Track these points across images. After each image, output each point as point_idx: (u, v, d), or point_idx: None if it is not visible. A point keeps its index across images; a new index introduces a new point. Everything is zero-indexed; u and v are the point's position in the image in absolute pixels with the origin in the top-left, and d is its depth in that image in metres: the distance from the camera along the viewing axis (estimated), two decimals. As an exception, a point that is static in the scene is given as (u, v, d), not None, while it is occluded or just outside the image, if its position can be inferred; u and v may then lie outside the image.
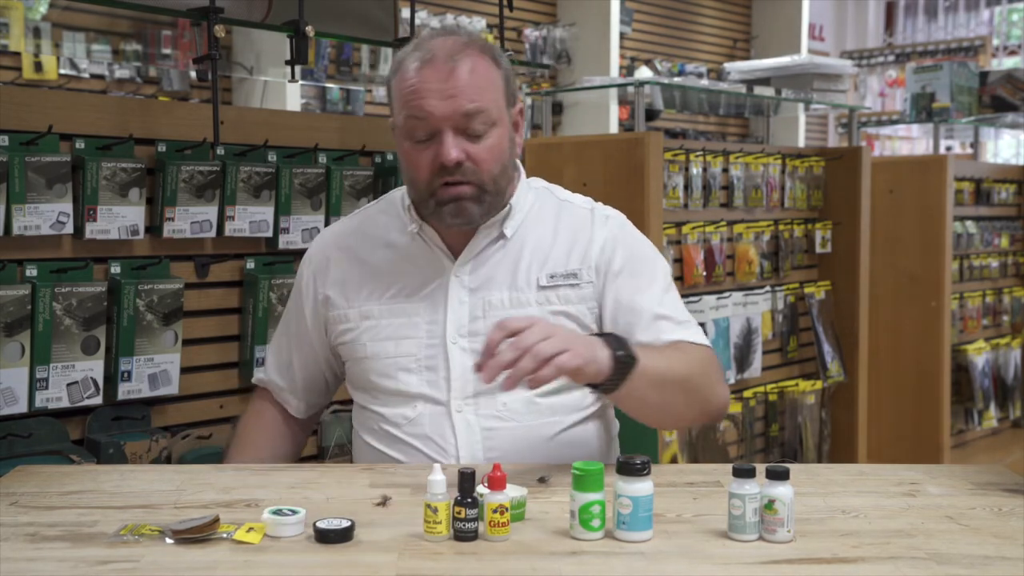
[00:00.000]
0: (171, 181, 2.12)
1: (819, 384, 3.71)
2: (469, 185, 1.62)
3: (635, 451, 1.81)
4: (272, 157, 2.31)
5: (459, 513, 1.26)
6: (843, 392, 3.79)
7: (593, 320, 1.71)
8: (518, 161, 1.75)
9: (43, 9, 4.45)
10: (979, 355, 4.53)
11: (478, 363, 1.44)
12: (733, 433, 3.43)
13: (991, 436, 4.74)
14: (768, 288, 3.55)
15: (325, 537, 1.26)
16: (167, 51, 4.96)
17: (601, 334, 1.58)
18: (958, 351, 4.43)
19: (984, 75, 4.69)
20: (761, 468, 1.30)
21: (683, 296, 1.83)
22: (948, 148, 6.59)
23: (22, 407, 1.92)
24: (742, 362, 3.42)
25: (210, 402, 2.25)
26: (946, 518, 1.39)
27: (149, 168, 2.12)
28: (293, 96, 5.04)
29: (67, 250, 2.01)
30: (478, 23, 6.09)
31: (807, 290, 3.70)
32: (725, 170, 3.40)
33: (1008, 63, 9.37)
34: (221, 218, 2.21)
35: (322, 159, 2.40)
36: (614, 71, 6.64)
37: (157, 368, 2.11)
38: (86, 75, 4.80)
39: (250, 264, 2.28)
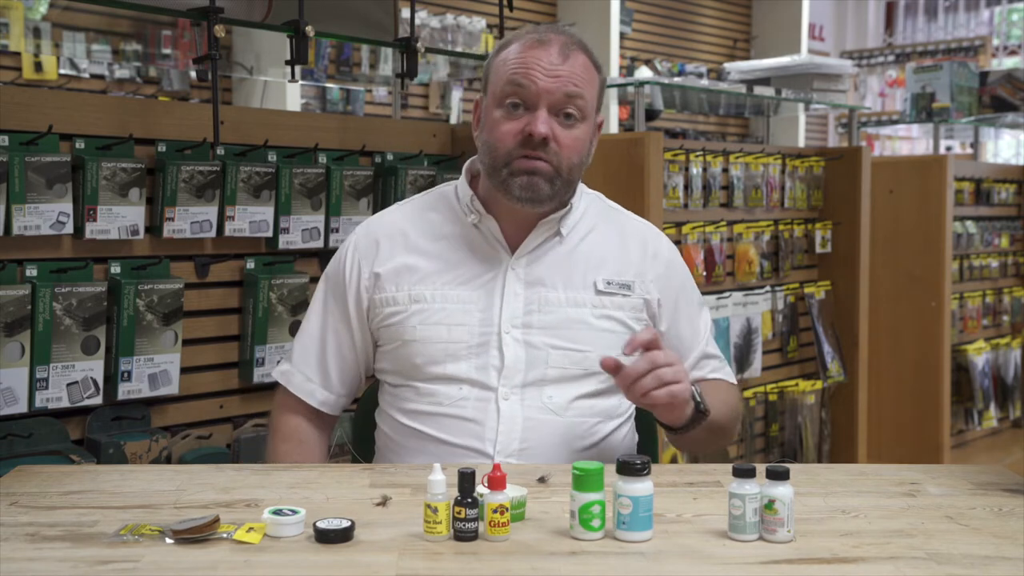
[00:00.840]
0: (171, 181, 2.12)
1: (819, 384, 3.71)
2: (547, 163, 1.66)
3: (636, 452, 1.82)
4: (272, 157, 2.31)
5: (459, 513, 1.26)
6: (843, 392, 3.79)
7: (641, 329, 1.75)
8: None
9: (43, 9, 4.45)
10: (979, 355, 4.53)
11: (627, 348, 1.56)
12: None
13: (991, 436, 4.74)
14: (768, 288, 3.55)
15: (325, 537, 1.26)
16: (167, 51, 4.96)
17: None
18: (958, 351, 4.43)
19: (984, 75, 4.69)
20: (761, 468, 1.30)
21: (683, 296, 1.87)
22: (948, 148, 6.60)
23: (22, 407, 1.92)
24: (742, 362, 3.42)
25: (210, 402, 2.25)
26: (946, 518, 1.39)
27: (149, 168, 2.12)
28: (293, 96, 5.03)
29: (67, 250, 2.01)
30: (478, 23, 6.08)
31: (807, 290, 3.70)
32: (725, 170, 3.39)
33: (1008, 63, 9.37)
34: (221, 218, 2.21)
35: (322, 159, 2.40)
36: (614, 71, 6.64)
37: (157, 368, 2.11)
38: (86, 75, 4.80)
39: (250, 264, 2.28)
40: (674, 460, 3.10)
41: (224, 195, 2.21)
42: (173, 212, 2.13)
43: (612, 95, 3.97)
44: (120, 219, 2.05)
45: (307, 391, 1.81)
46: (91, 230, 2.01)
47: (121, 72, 4.94)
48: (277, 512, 1.30)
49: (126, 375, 2.06)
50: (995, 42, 9.61)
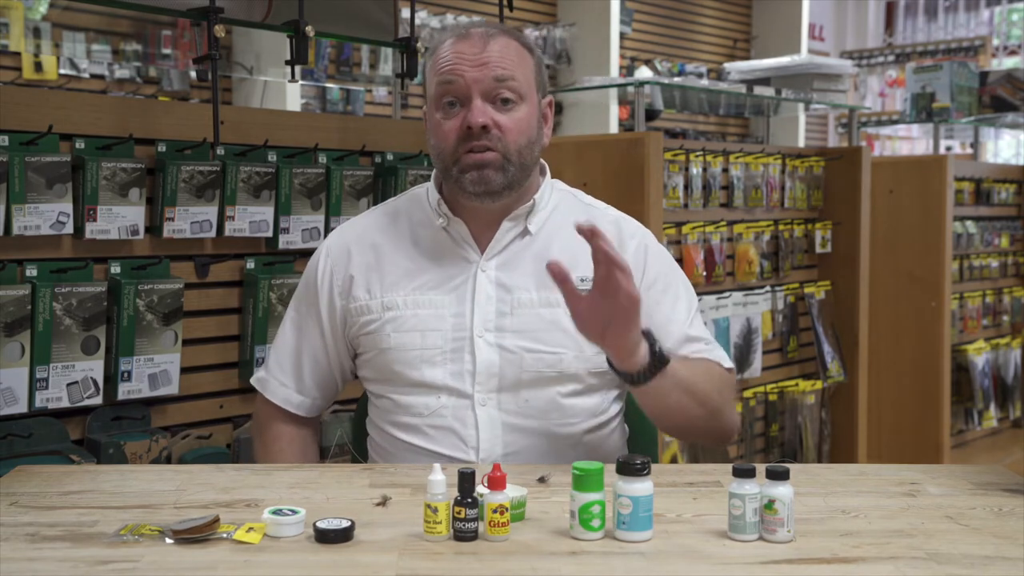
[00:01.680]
0: (171, 181, 2.12)
1: (819, 384, 3.71)
2: (493, 152, 1.64)
3: (635, 451, 1.81)
4: (272, 157, 2.31)
5: (459, 513, 1.26)
6: (843, 392, 3.79)
7: None
8: (543, 162, 1.78)
9: (43, 9, 4.45)
10: (979, 355, 4.53)
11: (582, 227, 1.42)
12: (733, 433, 3.43)
13: (991, 436, 4.74)
14: (768, 288, 3.55)
15: (325, 537, 1.26)
16: (167, 51, 4.96)
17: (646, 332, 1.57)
18: (958, 351, 4.43)
19: (984, 75, 4.69)
20: (761, 468, 1.30)
21: (683, 296, 1.83)
22: (948, 148, 6.59)
23: (22, 407, 1.92)
24: (742, 362, 3.42)
25: (210, 402, 2.25)
26: (946, 518, 1.39)
27: (149, 168, 2.12)
28: (293, 96, 5.04)
29: (67, 250, 2.01)
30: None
31: (807, 290, 3.70)
32: (725, 170, 3.40)
33: (1008, 63, 9.37)
34: (221, 218, 2.21)
35: (322, 159, 2.40)
36: (614, 71, 6.64)
37: (157, 368, 2.11)
38: (86, 75, 4.80)
39: (250, 264, 2.28)
40: (674, 460, 3.11)
41: (224, 195, 2.21)
42: (173, 212, 2.13)
43: (612, 95, 3.97)
44: (120, 219, 2.05)
45: (283, 397, 1.82)
46: (91, 230, 2.01)
47: (121, 72, 4.94)
48: (277, 512, 1.30)
49: (126, 375, 2.06)
50: (995, 42, 9.61)
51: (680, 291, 1.78)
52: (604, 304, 1.46)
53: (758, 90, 3.69)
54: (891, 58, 9.55)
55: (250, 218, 2.25)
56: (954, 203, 4.17)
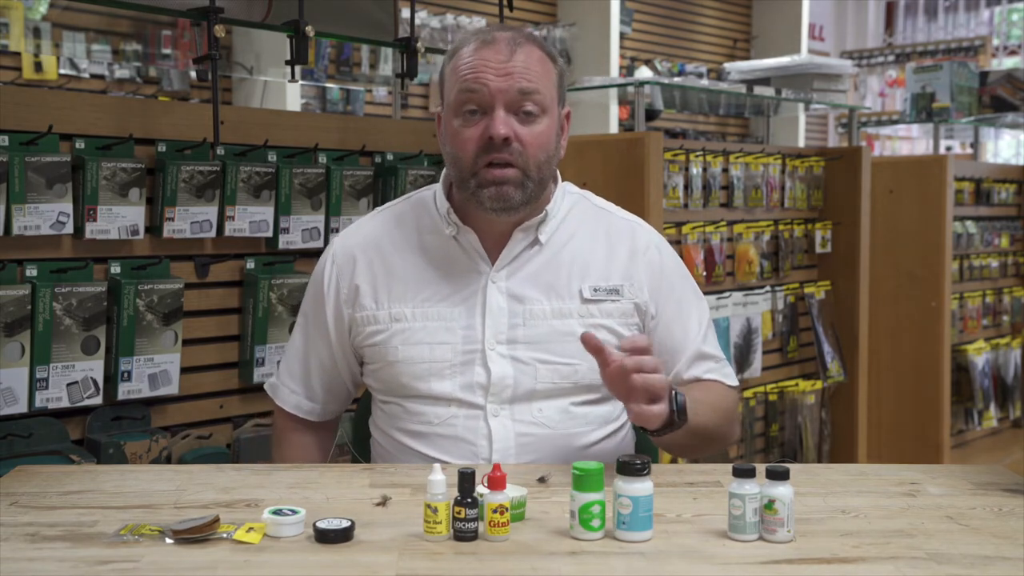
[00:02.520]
0: (171, 181, 2.12)
1: (819, 384, 3.71)
2: (513, 168, 1.62)
3: (638, 452, 1.81)
4: (272, 157, 2.31)
5: (459, 513, 1.26)
6: (843, 392, 3.79)
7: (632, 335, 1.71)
8: (556, 170, 1.76)
9: (43, 9, 4.45)
10: (979, 355, 4.53)
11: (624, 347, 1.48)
12: (733, 433, 3.43)
13: (991, 436, 4.74)
14: (768, 288, 3.55)
15: (325, 537, 1.26)
16: (167, 51, 4.96)
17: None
18: (958, 351, 4.43)
19: (984, 75, 4.69)
20: (761, 468, 1.30)
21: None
22: (948, 148, 6.59)
23: (22, 407, 1.92)
24: (742, 362, 3.42)
25: (210, 402, 2.25)
26: (946, 518, 1.39)
27: (149, 168, 2.12)
28: (293, 96, 5.03)
29: (67, 250, 2.01)
30: (478, 23, 6.08)
31: (807, 290, 3.70)
32: (725, 170, 3.40)
33: (1008, 63, 9.37)
34: (221, 218, 2.21)
35: (322, 159, 2.40)
36: (614, 71, 6.64)
37: (157, 368, 2.11)
38: (86, 75, 4.80)
39: (250, 264, 2.28)
40: (674, 460, 3.10)
41: (224, 195, 2.21)
42: (173, 212, 2.13)
43: (612, 95, 3.96)
44: (120, 219, 2.05)
45: (293, 404, 1.83)
46: (91, 230, 2.01)
47: (121, 72, 4.94)
48: (277, 512, 1.30)
49: (126, 375, 2.06)
50: (995, 42, 9.61)
51: (693, 304, 1.78)
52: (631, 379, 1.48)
53: (758, 90, 3.69)
54: (891, 58, 9.55)
55: (250, 218, 2.25)
56: (954, 203, 4.17)
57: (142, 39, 4.96)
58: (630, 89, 3.48)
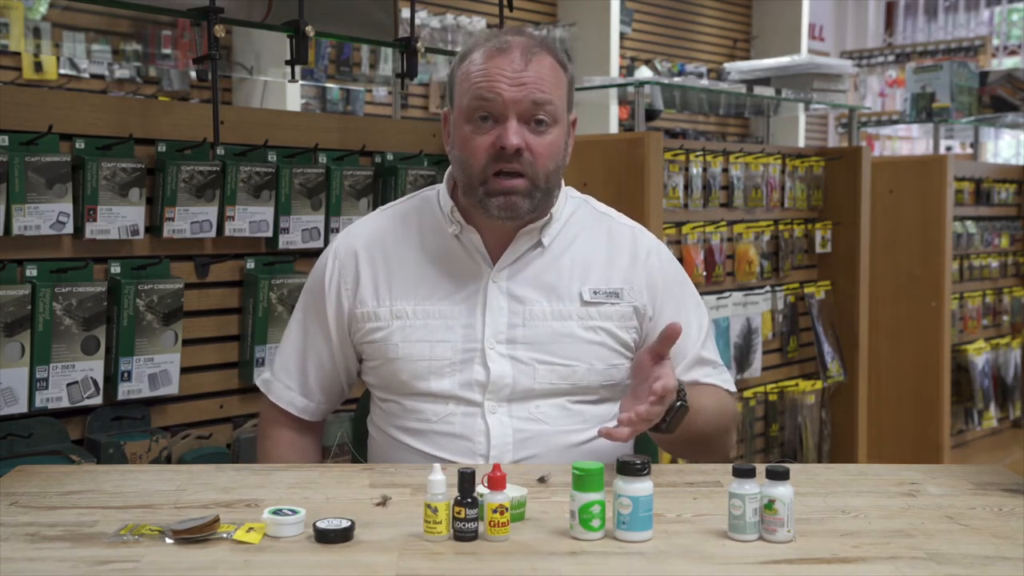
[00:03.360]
0: (171, 181, 2.12)
1: (819, 384, 3.71)
2: (523, 179, 1.62)
3: (636, 451, 1.81)
4: (272, 157, 2.31)
5: (459, 513, 1.26)
6: (843, 392, 3.79)
7: (630, 338, 1.72)
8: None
9: (43, 9, 4.45)
10: (979, 355, 4.53)
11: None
12: (733, 433, 3.43)
13: (991, 436, 4.74)
14: (768, 288, 3.55)
15: (325, 537, 1.26)
16: (167, 51, 4.96)
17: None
18: (958, 351, 4.43)
19: (984, 75, 4.69)
20: (761, 468, 1.30)
21: (683, 296, 1.83)
22: (948, 148, 6.59)
23: (22, 407, 1.92)
24: (742, 362, 3.42)
25: (210, 402, 2.25)
26: (946, 518, 1.39)
27: (149, 168, 2.12)
28: (293, 96, 5.03)
29: (67, 250, 2.01)
30: (478, 23, 6.08)
31: (807, 290, 3.70)
32: (725, 170, 3.40)
33: (1008, 63, 9.37)
34: (221, 218, 2.21)
35: (322, 159, 2.40)
36: (614, 71, 6.64)
37: (157, 368, 2.11)
38: (86, 75, 4.80)
39: (250, 264, 2.28)
40: (674, 460, 3.10)
41: (224, 195, 2.21)
42: (173, 212, 2.13)
43: (612, 95, 3.96)
44: (120, 219, 2.05)
45: (287, 400, 1.81)
46: (91, 230, 2.01)
47: (121, 72, 4.94)
48: (277, 512, 1.30)
49: (126, 375, 2.06)
50: (995, 42, 9.61)
51: (692, 310, 1.79)
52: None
53: (758, 90, 3.69)
54: (891, 58, 9.55)
55: (250, 218, 2.25)
56: (954, 203, 4.17)
57: (142, 39, 4.96)
58: (630, 89, 3.48)
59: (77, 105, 2.04)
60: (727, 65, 4.67)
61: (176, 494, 1.47)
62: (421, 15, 5.72)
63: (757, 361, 3.48)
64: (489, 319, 1.68)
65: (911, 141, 8.48)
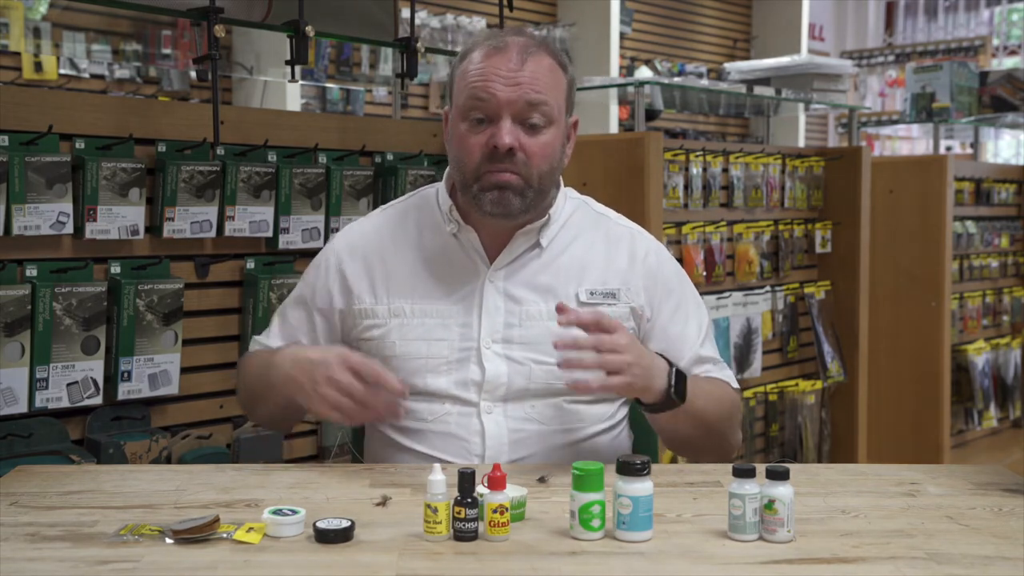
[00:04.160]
0: (171, 181, 2.12)
1: (819, 384, 3.71)
2: (516, 176, 1.62)
3: (635, 451, 1.81)
4: (272, 157, 2.31)
5: (459, 513, 1.26)
6: (843, 392, 3.79)
7: None
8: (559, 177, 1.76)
9: (43, 9, 4.45)
10: (979, 355, 4.53)
11: (563, 334, 1.51)
12: (733, 433, 3.43)
13: (991, 436, 4.74)
14: (768, 288, 3.55)
15: (325, 537, 1.26)
16: (167, 51, 4.96)
17: (669, 362, 1.59)
18: (958, 351, 4.43)
19: (984, 75, 4.69)
20: (761, 468, 1.30)
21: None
22: (948, 148, 6.59)
23: (22, 407, 1.92)
24: (742, 362, 3.42)
25: (210, 402, 2.25)
26: (946, 518, 1.39)
27: (149, 168, 2.12)
28: (293, 96, 5.03)
29: (67, 250, 2.01)
30: (478, 23, 6.08)
31: (807, 290, 3.70)
32: (725, 170, 3.40)
33: (1008, 63, 9.37)
34: (221, 218, 2.21)
35: (322, 159, 2.40)
36: (614, 71, 6.64)
37: (157, 368, 2.11)
38: (86, 75, 4.80)
39: (250, 264, 2.28)
40: (674, 460, 3.10)
41: (224, 195, 2.21)
42: (173, 212, 2.13)
43: (612, 95, 3.97)
44: (120, 219, 2.05)
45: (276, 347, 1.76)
46: (91, 230, 2.01)
47: (121, 72, 4.94)
48: (277, 512, 1.30)
49: (126, 375, 2.06)
50: (995, 42, 9.61)
51: (691, 309, 1.79)
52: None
53: (758, 90, 3.69)
54: (891, 58, 9.55)
55: (250, 218, 2.25)
56: (954, 203, 4.17)
57: (142, 39, 4.96)
58: (630, 89, 3.48)
59: (77, 105, 2.04)
60: (727, 65, 4.67)
61: (176, 494, 1.47)
62: (421, 15, 5.72)
63: (757, 361, 3.48)
64: (485, 318, 1.68)
65: (911, 141, 8.48)
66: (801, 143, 7.90)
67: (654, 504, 1.29)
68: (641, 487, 1.27)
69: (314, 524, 1.27)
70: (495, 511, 1.26)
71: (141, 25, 4.93)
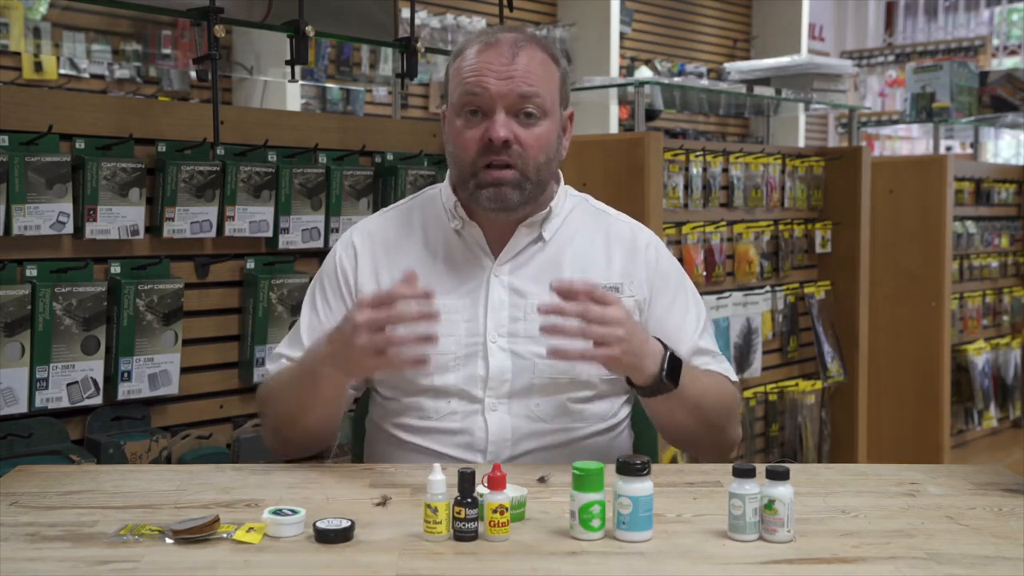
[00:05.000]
0: (171, 181, 2.12)
1: (819, 384, 3.71)
2: (512, 170, 1.64)
3: (635, 451, 1.81)
4: (272, 157, 2.31)
5: (459, 513, 1.26)
6: (843, 392, 3.79)
7: None
8: (559, 170, 1.77)
9: (43, 9, 4.45)
10: (979, 355, 4.53)
11: (550, 304, 1.51)
12: (733, 433, 3.43)
13: (991, 436, 4.74)
14: (768, 288, 3.55)
15: (325, 537, 1.26)
16: (167, 51, 4.96)
17: (665, 346, 1.60)
18: (958, 351, 4.43)
19: (984, 75, 4.69)
20: (761, 468, 1.30)
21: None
22: (948, 148, 6.59)
23: (22, 407, 1.92)
24: (742, 362, 3.42)
25: (210, 402, 2.25)
26: (946, 518, 1.39)
27: (149, 168, 2.12)
28: (293, 96, 5.03)
29: (67, 250, 2.01)
30: (478, 23, 6.08)
31: (807, 290, 3.70)
32: (725, 170, 3.40)
33: (1008, 63, 9.37)
34: (221, 218, 2.21)
35: (322, 159, 2.40)
36: (614, 71, 6.64)
37: (157, 368, 2.11)
38: (86, 75, 4.80)
39: (250, 264, 2.28)
40: (674, 460, 3.10)
41: (224, 195, 2.21)
42: (173, 212, 2.13)
43: (612, 95, 3.97)
44: (120, 219, 2.05)
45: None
46: (91, 230, 2.01)
47: (121, 72, 4.94)
48: (277, 512, 1.30)
49: (126, 375, 2.06)
50: (995, 42, 9.61)
51: (690, 302, 1.80)
52: None
53: (758, 90, 3.69)
54: (891, 58, 9.55)
55: (250, 218, 2.25)
56: (954, 203, 4.17)
57: (142, 39, 4.96)
58: (630, 89, 3.48)
59: (77, 105, 2.04)
60: (727, 65, 4.67)
61: (176, 494, 1.47)
62: (421, 15, 5.72)
63: (757, 361, 3.48)
64: (491, 313, 1.69)
65: (911, 141, 8.48)
66: (801, 143, 7.90)
67: (654, 504, 1.29)
68: (641, 487, 1.27)
69: (314, 524, 1.27)
70: (495, 511, 1.27)
71: (141, 25, 4.93)
